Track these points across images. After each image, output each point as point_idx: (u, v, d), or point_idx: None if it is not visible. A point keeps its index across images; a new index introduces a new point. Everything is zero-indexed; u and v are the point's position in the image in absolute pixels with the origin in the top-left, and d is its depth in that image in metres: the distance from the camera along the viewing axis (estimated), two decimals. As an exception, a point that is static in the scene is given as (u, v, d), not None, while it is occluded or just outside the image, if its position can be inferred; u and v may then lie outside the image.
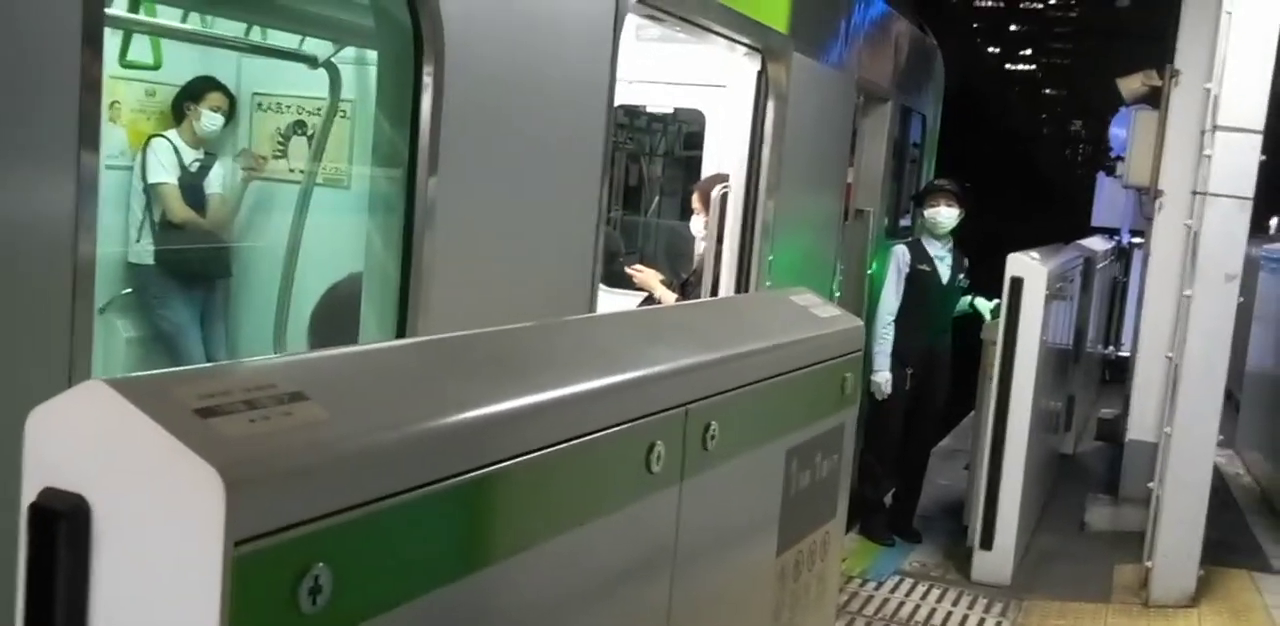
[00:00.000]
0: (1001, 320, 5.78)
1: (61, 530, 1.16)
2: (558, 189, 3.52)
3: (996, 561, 5.85)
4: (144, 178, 5.63)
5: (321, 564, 1.25)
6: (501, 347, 1.87)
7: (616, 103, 4.32)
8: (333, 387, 1.43)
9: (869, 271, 6.68)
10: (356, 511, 1.31)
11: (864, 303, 6.53)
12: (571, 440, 1.71)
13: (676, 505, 2.04)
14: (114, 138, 5.66)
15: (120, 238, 5.64)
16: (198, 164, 5.81)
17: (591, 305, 3.58)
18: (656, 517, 1.99)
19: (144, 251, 5.64)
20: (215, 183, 5.87)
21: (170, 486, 1.16)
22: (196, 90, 5.74)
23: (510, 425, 1.61)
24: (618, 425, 1.83)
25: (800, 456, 2.61)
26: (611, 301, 5.80)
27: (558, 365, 1.86)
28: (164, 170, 5.64)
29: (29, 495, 1.18)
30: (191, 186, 5.73)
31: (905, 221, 7.90)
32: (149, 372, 1.29)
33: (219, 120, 5.75)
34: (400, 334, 2.80)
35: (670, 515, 2.03)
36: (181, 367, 1.38)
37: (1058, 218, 14.19)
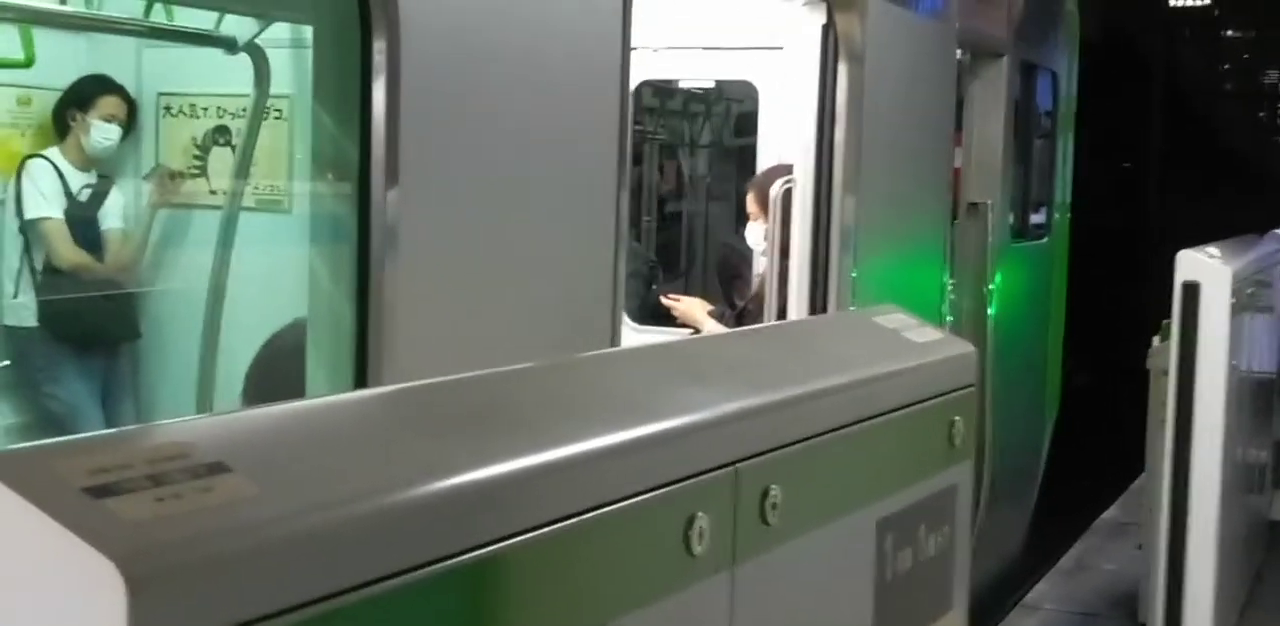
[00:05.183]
0: (1173, 343, 5.77)
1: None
2: (560, 197, 3.58)
3: (1192, 670, 5.80)
4: (19, 212, 5.75)
5: (258, 682, 1.31)
6: (488, 396, 1.93)
7: (637, 78, 4.40)
8: (264, 455, 1.49)
9: (989, 286, 6.70)
10: (303, 612, 1.36)
11: (985, 326, 6.54)
12: (582, 514, 1.75)
13: (728, 598, 2.07)
14: (-24, 161, 5.80)
15: (-10, 292, 5.76)
16: (89, 191, 5.93)
17: (613, 346, 3.64)
18: (700, 615, 2.02)
19: (23, 309, 5.75)
20: (113, 214, 5.99)
21: (57, 586, 1.22)
22: (84, 95, 5.88)
23: (500, 497, 1.66)
24: (644, 492, 1.87)
25: (897, 530, 2.64)
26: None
27: (562, 417, 1.91)
28: (45, 201, 5.77)
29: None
30: (82, 221, 5.85)
31: (1037, 216, 7.91)
32: (27, 444, 1.36)
33: (114, 132, 5.88)
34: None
35: (720, 612, 2.06)
36: (68, 437, 1.45)
37: (1250, 200, 14.14)
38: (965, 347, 3.12)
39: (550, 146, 3.53)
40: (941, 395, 2.88)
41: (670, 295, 6.13)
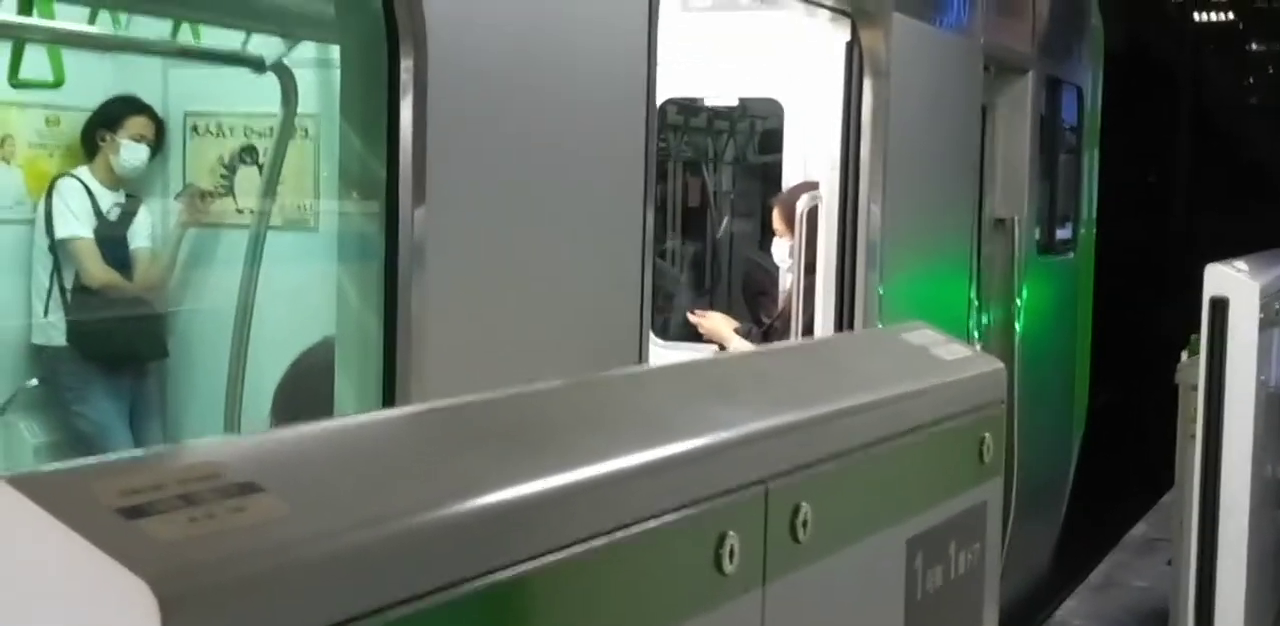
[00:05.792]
0: (1202, 358, 5.74)
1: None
2: (586, 213, 3.60)
3: (1223, 689, 5.76)
4: (49, 232, 5.78)
5: (290, 703, 1.31)
6: (518, 414, 1.93)
7: (663, 96, 4.42)
8: (296, 475, 1.49)
9: (1016, 301, 6.69)
10: (334, 633, 1.37)
11: (1012, 342, 6.53)
12: (612, 533, 1.75)
13: (759, 617, 2.06)
14: (6, 182, 5.83)
15: (20, 311, 5.79)
16: (118, 210, 5.97)
17: (640, 363, 3.64)
18: (734, 633, 2.02)
19: (52, 329, 5.78)
20: (142, 233, 6.02)
21: (90, 607, 1.22)
22: (113, 115, 5.92)
23: (530, 516, 1.66)
24: (674, 511, 1.87)
25: (927, 548, 2.63)
26: (671, 360, 5.87)
27: (592, 435, 1.91)
28: (75, 221, 5.80)
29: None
30: (112, 240, 5.89)
31: (1064, 231, 7.90)
32: (60, 465, 1.36)
33: (143, 152, 5.91)
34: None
35: (752, 630, 2.06)
36: (100, 457, 1.46)
37: (1278, 214, 14.12)
38: (994, 364, 3.11)
39: (576, 163, 3.55)
40: (971, 412, 2.88)
41: (696, 311, 6.14)
